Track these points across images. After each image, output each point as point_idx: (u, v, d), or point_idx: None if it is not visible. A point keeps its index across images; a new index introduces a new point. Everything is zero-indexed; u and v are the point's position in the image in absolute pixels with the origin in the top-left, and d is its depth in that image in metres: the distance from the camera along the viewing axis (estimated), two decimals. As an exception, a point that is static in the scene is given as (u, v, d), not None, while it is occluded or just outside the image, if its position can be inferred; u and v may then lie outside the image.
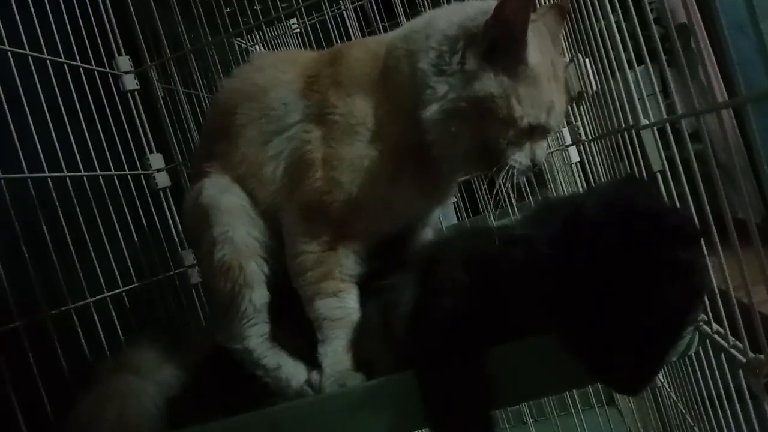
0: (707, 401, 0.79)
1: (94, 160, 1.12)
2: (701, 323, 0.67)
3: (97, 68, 1.22)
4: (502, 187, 0.78)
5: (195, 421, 0.77)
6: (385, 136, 0.80)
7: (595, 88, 1.00)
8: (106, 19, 1.27)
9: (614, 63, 0.80)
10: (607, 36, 0.79)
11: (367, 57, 0.84)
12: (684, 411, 0.99)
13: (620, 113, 0.82)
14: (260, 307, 0.84)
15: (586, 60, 1.00)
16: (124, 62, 1.30)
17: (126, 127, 1.26)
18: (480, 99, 0.74)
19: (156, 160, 1.31)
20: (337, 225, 0.82)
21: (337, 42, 1.69)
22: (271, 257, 0.86)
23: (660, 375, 1.16)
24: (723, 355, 0.64)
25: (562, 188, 1.49)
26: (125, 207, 1.18)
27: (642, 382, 0.60)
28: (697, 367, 0.79)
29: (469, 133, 0.76)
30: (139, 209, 1.23)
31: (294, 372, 0.82)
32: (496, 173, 0.78)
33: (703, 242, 0.60)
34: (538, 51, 0.75)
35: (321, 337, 0.81)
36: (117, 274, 1.10)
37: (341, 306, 0.82)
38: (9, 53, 0.98)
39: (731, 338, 0.62)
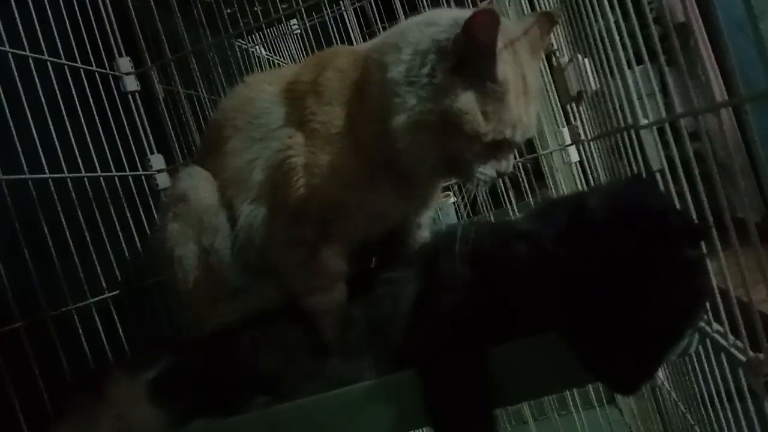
0: (707, 400, 0.79)
1: (95, 161, 1.12)
2: (701, 322, 0.67)
3: (97, 69, 1.22)
4: (477, 193, 0.80)
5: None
6: (361, 144, 0.82)
7: (594, 87, 1.00)
8: (106, 21, 1.27)
9: (613, 63, 0.80)
10: (606, 36, 0.79)
11: (346, 67, 0.85)
12: (684, 410, 0.99)
13: (619, 113, 0.82)
14: None
15: (586, 60, 1.00)
16: (124, 63, 1.30)
17: (127, 128, 1.26)
18: (446, 113, 0.74)
19: (157, 160, 1.31)
20: (318, 228, 0.84)
21: (337, 43, 1.69)
22: None
23: (660, 374, 1.16)
24: (723, 354, 0.64)
25: (562, 188, 1.49)
26: (126, 208, 1.18)
27: (639, 383, 0.60)
28: (697, 366, 0.79)
29: (436, 145, 0.77)
30: (140, 210, 1.23)
31: None
32: (464, 183, 0.81)
33: (703, 241, 0.60)
34: (509, 66, 0.75)
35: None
36: (118, 274, 1.10)
37: (328, 301, 0.84)
38: (9, 54, 0.99)
39: (731, 337, 0.62)
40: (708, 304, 0.65)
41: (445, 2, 1.35)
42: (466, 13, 0.72)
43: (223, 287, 0.90)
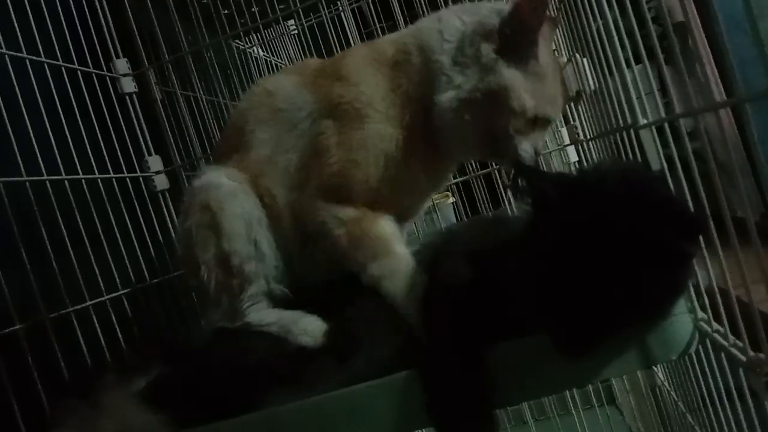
0: (708, 400, 0.79)
1: (93, 163, 1.12)
2: (701, 322, 0.67)
3: (95, 71, 1.22)
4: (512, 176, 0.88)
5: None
6: (394, 118, 0.85)
7: (593, 87, 1.00)
8: (103, 22, 1.27)
9: (612, 62, 0.80)
10: (604, 35, 0.79)
11: (368, 53, 0.90)
12: (684, 410, 0.99)
13: (618, 112, 0.82)
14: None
15: (584, 59, 1.00)
16: (122, 65, 1.30)
17: (124, 129, 1.25)
18: (494, 90, 0.80)
19: (154, 162, 1.31)
20: (360, 202, 0.86)
21: (334, 43, 1.69)
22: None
23: (660, 374, 1.16)
24: (723, 354, 0.63)
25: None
26: (124, 210, 1.17)
27: (580, 349, 0.58)
28: (697, 366, 0.79)
29: (480, 122, 0.82)
30: (138, 212, 1.23)
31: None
32: (507, 163, 0.86)
33: (702, 240, 0.59)
34: (545, 49, 0.83)
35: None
36: (116, 276, 1.10)
37: (396, 261, 0.83)
38: (6, 56, 0.98)
39: (731, 337, 0.62)
40: (707, 303, 0.65)
41: (442, 3, 1.35)
42: (503, 6, 0.83)
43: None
